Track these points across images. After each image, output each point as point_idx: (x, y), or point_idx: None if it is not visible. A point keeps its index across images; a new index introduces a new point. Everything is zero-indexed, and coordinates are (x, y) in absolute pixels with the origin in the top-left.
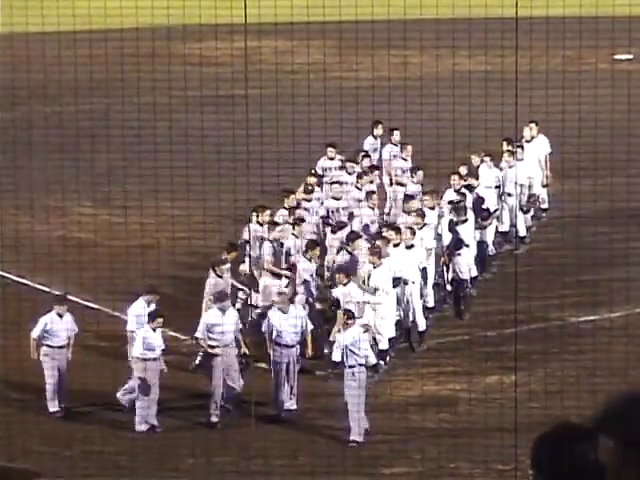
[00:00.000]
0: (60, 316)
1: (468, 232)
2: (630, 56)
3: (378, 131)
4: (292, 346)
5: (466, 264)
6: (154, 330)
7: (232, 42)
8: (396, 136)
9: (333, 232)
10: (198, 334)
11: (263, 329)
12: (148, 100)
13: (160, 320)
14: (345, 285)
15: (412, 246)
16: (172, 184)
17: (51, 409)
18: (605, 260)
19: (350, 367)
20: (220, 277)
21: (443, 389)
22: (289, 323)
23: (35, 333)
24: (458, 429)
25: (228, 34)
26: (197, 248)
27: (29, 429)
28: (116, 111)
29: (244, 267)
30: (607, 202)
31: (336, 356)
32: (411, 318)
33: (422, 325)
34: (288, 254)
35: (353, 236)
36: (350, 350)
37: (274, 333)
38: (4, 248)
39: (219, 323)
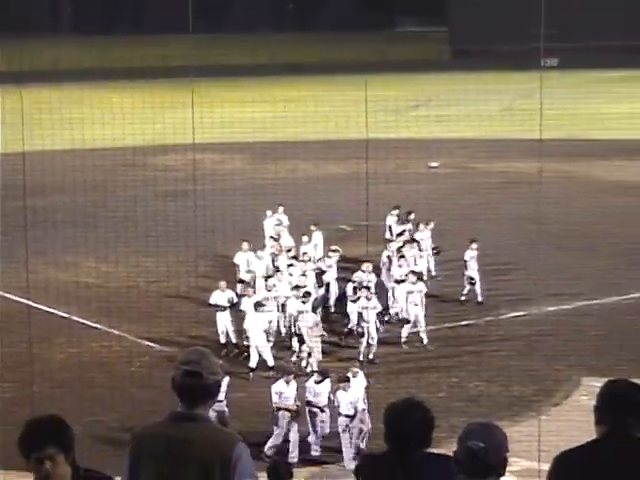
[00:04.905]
0: (287, 383)
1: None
2: (438, 164)
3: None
4: None
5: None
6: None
7: (185, 155)
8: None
9: None
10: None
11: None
12: (131, 193)
13: None
14: None
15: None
16: (147, 246)
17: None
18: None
19: None
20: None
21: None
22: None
23: (274, 398)
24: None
25: (182, 150)
26: (162, 288)
27: None
28: (111, 200)
29: None
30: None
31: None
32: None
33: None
34: None
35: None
36: None
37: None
38: (38, 290)
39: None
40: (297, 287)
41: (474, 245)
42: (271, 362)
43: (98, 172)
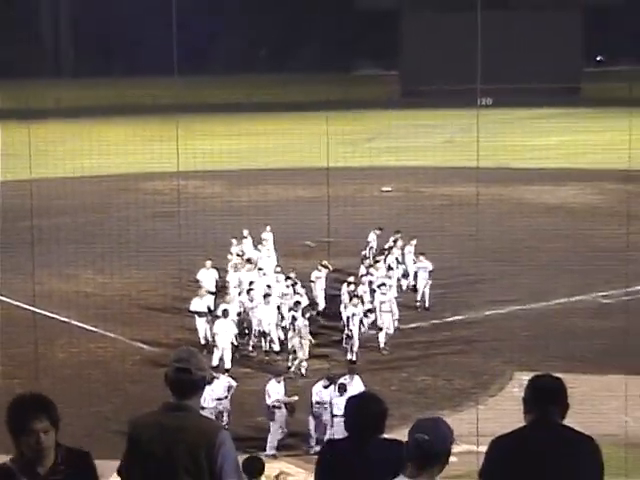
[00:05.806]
0: (278, 382)
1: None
2: (390, 188)
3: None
4: None
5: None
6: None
7: (170, 181)
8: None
9: None
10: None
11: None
12: (124, 214)
13: None
14: None
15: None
16: (138, 261)
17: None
18: None
19: None
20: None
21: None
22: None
23: (269, 401)
24: None
25: (168, 177)
26: (151, 297)
27: None
28: (107, 220)
29: None
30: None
31: None
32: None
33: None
34: None
35: None
36: None
37: None
38: (43, 298)
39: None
40: (268, 295)
41: (422, 257)
42: (228, 365)
43: (95, 196)
